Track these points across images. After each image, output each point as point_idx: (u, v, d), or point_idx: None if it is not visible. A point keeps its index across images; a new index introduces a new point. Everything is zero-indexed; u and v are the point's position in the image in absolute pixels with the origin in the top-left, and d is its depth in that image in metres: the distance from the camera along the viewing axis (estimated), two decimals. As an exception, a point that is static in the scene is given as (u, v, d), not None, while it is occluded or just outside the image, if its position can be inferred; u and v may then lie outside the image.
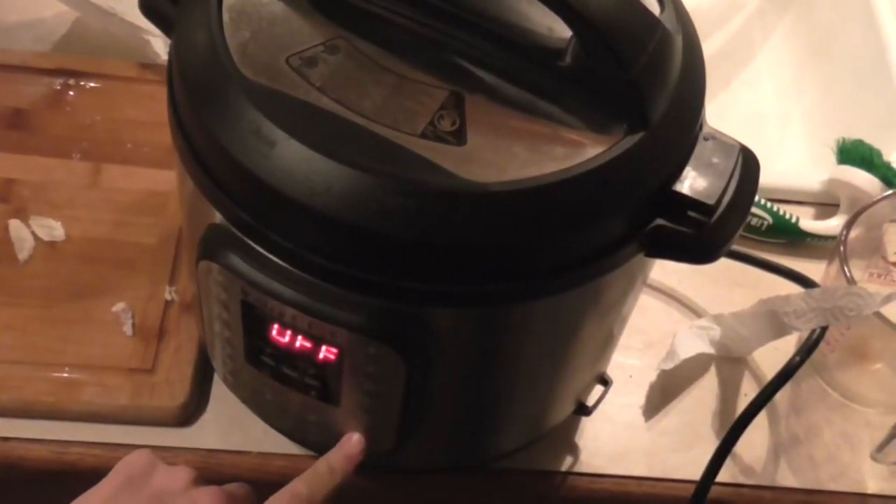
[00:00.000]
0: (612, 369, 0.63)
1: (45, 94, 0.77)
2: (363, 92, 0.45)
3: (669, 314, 0.73)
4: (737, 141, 0.48)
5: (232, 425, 0.63)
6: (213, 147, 0.44)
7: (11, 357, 0.63)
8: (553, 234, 0.43)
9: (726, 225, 0.46)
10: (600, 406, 0.63)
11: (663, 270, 0.71)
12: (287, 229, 0.43)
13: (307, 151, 0.41)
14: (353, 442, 0.52)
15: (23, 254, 0.68)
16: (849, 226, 0.65)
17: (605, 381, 0.63)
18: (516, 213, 0.42)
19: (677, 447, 0.66)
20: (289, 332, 0.47)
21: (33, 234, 0.69)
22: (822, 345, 0.64)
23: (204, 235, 0.47)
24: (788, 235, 0.75)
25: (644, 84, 0.44)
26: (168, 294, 0.67)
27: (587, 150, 0.44)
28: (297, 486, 0.49)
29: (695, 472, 0.61)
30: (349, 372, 0.48)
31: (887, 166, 0.74)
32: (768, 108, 0.94)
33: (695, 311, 0.73)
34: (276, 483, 0.62)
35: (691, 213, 0.45)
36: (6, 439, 0.61)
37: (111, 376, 0.63)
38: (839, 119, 0.86)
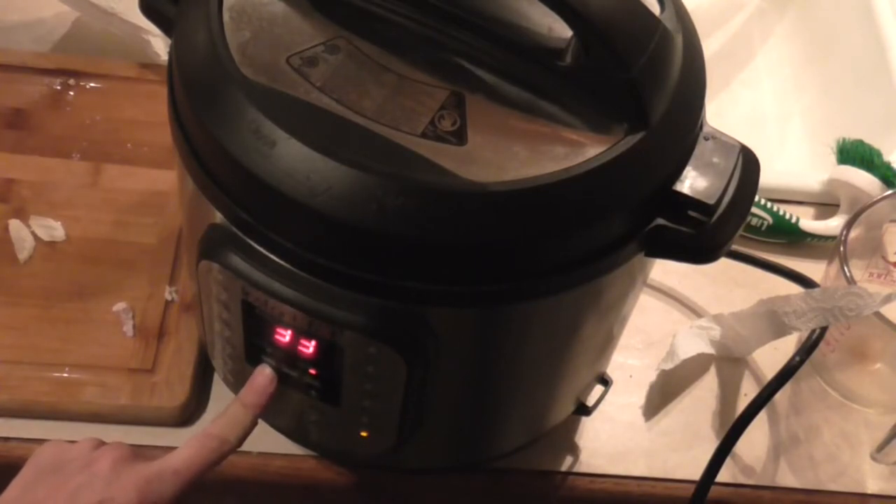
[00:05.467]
0: (612, 369, 0.63)
1: (45, 94, 0.77)
2: (364, 92, 0.45)
3: (669, 314, 0.73)
4: (737, 141, 0.48)
5: (232, 425, 0.63)
6: (213, 147, 0.44)
7: (11, 357, 0.63)
8: (553, 233, 0.43)
9: (726, 225, 0.46)
10: (600, 406, 0.63)
11: (663, 270, 0.71)
12: (287, 229, 0.43)
13: (307, 151, 0.41)
14: (262, 375, 0.51)
15: (23, 254, 0.68)
16: (849, 226, 0.65)
17: (606, 381, 0.63)
18: (516, 213, 0.42)
19: (677, 447, 0.66)
20: (289, 332, 0.47)
21: (33, 234, 0.69)
22: (822, 345, 0.64)
23: (204, 235, 0.47)
24: (788, 235, 0.75)
25: (644, 84, 0.44)
26: (168, 294, 0.67)
27: (587, 149, 0.44)
28: (209, 428, 0.49)
29: (695, 472, 0.61)
30: (349, 372, 0.48)
31: (887, 166, 0.74)
32: (768, 108, 0.94)
33: (695, 311, 0.73)
34: (276, 483, 0.63)
35: (691, 213, 0.45)
36: (6, 439, 0.61)
37: (111, 376, 0.63)
38: (839, 119, 0.86)
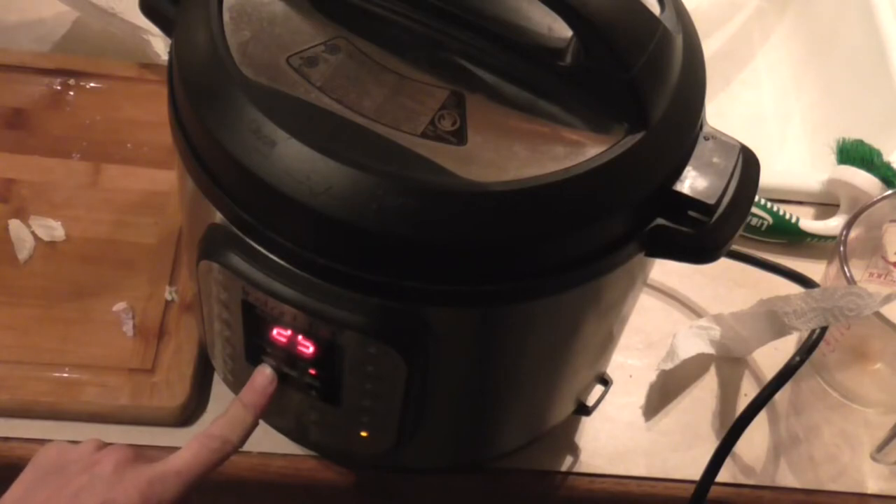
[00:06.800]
0: (612, 369, 0.63)
1: (45, 94, 0.77)
2: (364, 92, 0.45)
3: (669, 314, 0.73)
4: (737, 141, 0.48)
5: (232, 425, 0.62)
6: (213, 147, 0.44)
7: (11, 357, 0.63)
8: (553, 233, 0.43)
9: (726, 225, 0.46)
10: (600, 406, 0.63)
11: (663, 270, 0.71)
12: (287, 229, 0.43)
13: (307, 151, 0.41)
14: (262, 375, 0.51)
15: (23, 254, 0.68)
16: (849, 226, 0.65)
17: (605, 381, 0.63)
18: (516, 213, 0.42)
19: (677, 447, 0.66)
20: (289, 332, 0.47)
21: (33, 234, 0.69)
22: (822, 345, 0.64)
23: (204, 235, 0.47)
24: (788, 235, 0.75)
25: (644, 84, 0.44)
26: (168, 294, 0.67)
27: (587, 149, 0.44)
28: (211, 428, 0.49)
29: (695, 472, 0.61)
30: (349, 372, 0.48)
31: (887, 166, 0.74)
32: (768, 108, 0.94)
33: (695, 311, 0.73)
34: (276, 483, 0.63)
35: (691, 213, 0.45)
36: (6, 439, 0.61)
37: (111, 376, 0.63)
38: (839, 119, 0.86)
